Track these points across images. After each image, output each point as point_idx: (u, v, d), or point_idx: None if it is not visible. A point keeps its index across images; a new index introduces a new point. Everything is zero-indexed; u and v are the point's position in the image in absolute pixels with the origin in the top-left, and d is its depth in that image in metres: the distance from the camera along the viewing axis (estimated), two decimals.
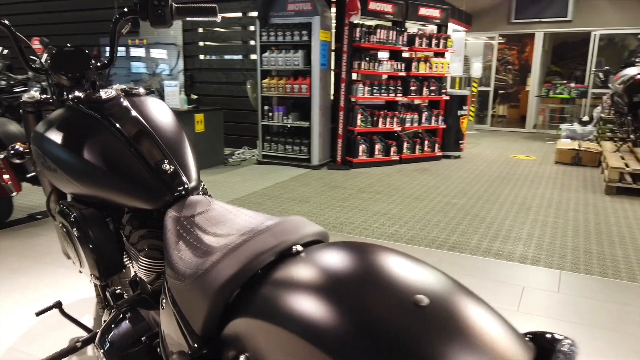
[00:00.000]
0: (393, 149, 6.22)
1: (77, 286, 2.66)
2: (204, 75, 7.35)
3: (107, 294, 1.56)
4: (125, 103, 1.34)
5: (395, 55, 6.19)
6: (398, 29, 6.05)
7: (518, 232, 3.74)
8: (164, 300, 1.07)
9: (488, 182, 5.45)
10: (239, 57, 7.08)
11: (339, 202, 4.56)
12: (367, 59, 5.84)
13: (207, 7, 1.52)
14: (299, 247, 0.83)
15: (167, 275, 1.00)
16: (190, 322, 0.90)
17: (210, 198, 1.19)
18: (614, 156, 5.45)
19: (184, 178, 1.21)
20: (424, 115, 6.44)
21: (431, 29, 7.02)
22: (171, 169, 1.20)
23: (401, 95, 6.19)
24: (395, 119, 6.16)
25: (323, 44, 5.77)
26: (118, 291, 1.56)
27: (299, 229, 0.91)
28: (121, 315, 1.29)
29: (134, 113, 1.31)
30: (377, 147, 6.10)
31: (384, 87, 6.01)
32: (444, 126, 6.67)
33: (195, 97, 5.99)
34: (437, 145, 6.65)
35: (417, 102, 6.82)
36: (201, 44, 7.52)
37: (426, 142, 6.52)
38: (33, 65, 1.54)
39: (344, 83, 5.88)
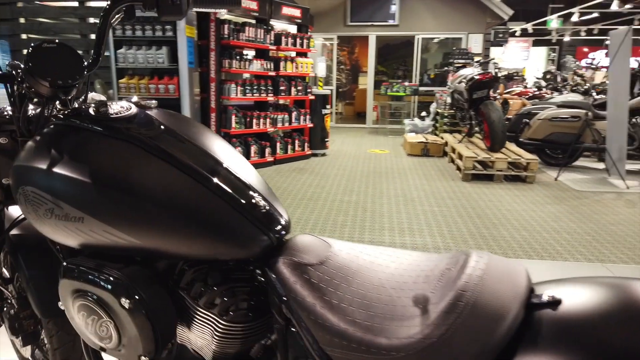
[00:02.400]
0: (267, 150, 6.08)
1: None
2: None
3: None
4: (161, 121, 1.01)
5: (262, 54, 6.05)
6: (265, 27, 5.91)
7: (418, 224, 3.99)
8: None
9: (364, 177, 5.71)
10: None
11: None
12: (238, 57, 5.58)
13: None
14: (553, 294, 0.70)
15: (326, 346, 0.77)
16: None
17: (313, 234, 0.96)
18: (463, 147, 6.21)
19: (278, 214, 0.95)
20: (294, 114, 6.44)
21: (282, 28, 7.03)
22: (265, 205, 0.94)
23: (272, 95, 6.08)
24: (268, 120, 6.03)
25: (189, 40, 5.32)
26: None
27: (512, 267, 0.78)
28: None
29: (181, 135, 0.99)
30: (253, 148, 5.89)
31: (255, 87, 5.83)
32: (311, 125, 6.77)
33: None
34: (306, 144, 6.72)
35: (281, 101, 6.78)
36: (24, 36, 6.29)
37: (297, 142, 6.53)
38: None
39: (214, 83, 5.52)
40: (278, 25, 6.42)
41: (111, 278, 0.92)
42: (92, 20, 6.03)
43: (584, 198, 4.89)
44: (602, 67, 17.11)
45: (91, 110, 1.00)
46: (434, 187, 5.30)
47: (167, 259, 0.97)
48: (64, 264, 0.99)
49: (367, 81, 13.13)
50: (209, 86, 5.56)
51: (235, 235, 0.89)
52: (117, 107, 1.01)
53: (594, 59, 18.67)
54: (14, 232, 1.32)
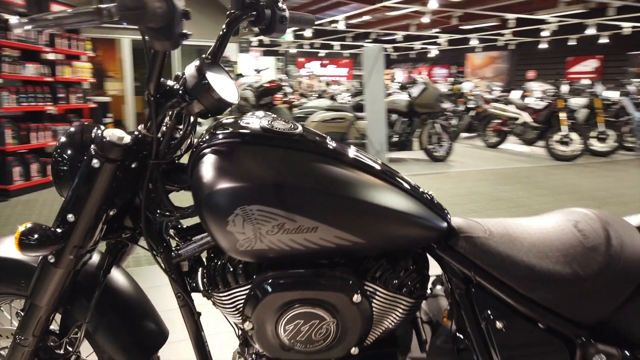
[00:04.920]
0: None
1: None
2: None
3: None
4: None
5: (34, 57, 5.17)
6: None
7: None
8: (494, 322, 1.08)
9: None
10: None
11: None
12: (10, 60, 4.66)
13: (308, 17, 1.34)
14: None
15: (529, 292, 1.04)
16: (576, 316, 1.05)
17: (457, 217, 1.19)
18: None
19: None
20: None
21: None
22: (430, 193, 1.15)
23: (51, 103, 5.27)
24: (48, 132, 5.20)
25: None
26: None
27: (603, 214, 1.20)
28: None
29: (340, 144, 1.12)
30: (34, 167, 5.01)
31: (31, 95, 4.96)
32: None
33: None
34: None
35: (50, 110, 5.90)
36: None
37: None
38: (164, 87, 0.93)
39: None
40: None
41: (339, 279, 0.99)
42: None
43: None
44: (318, 75, 20.26)
45: (265, 126, 1.02)
46: None
47: (370, 254, 1.07)
48: (264, 280, 0.99)
49: (117, 87, 12.27)
50: None
51: (430, 222, 1.06)
52: (283, 124, 1.05)
53: (310, 68, 21.92)
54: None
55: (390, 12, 13.99)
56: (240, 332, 1.27)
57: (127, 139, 1.01)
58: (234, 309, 1.08)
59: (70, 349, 1.15)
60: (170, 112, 1.01)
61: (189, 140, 1.10)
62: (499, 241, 1.10)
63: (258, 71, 7.23)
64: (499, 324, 1.08)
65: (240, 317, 1.08)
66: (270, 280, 1.00)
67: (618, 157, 7.93)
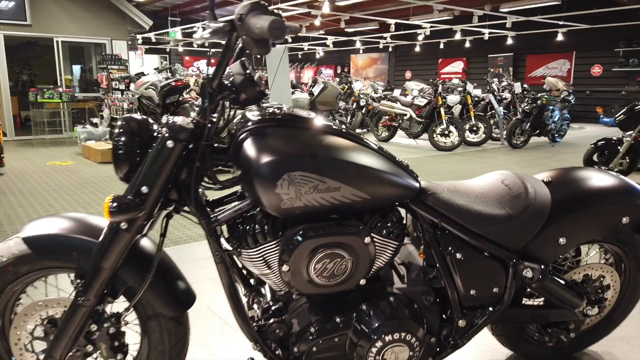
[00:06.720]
0: None
1: None
2: None
3: None
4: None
5: None
6: None
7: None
8: (450, 257, 1.51)
9: (73, 193, 5.37)
10: None
11: None
12: None
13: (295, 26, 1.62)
14: (546, 178, 1.66)
15: (478, 228, 1.49)
16: (509, 244, 1.52)
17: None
18: None
19: None
20: None
21: None
22: (406, 162, 1.52)
23: None
24: None
25: None
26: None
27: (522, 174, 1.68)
28: None
29: (338, 124, 1.46)
30: None
31: None
32: None
33: None
34: None
35: None
36: None
37: None
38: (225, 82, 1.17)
39: None
40: None
41: (354, 227, 1.32)
42: None
43: None
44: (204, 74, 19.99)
45: (290, 112, 1.32)
46: None
47: (371, 208, 1.39)
48: (297, 232, 1.30)
49: None
50: None
51: (409, 183, 1.42)
52: (301, 111, 1.36)
53: (198, 67, 21.53)
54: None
55: (280, 13, 14.38)
56: (246, 291, 1.55)
57: (191, 124, 1.25)
58: (262, 261, 1.36)
59: (119, 312, 1.35)
60: (220, 102, 1.27)
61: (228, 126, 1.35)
62: (454, 196, 1.52)
63: (159, 70, 7.15)
64: (458, 255, 1.50)
65: (265, 268, 1.37)
66: (302, 232, 1.31)
67: (488, 146, 9.18)
